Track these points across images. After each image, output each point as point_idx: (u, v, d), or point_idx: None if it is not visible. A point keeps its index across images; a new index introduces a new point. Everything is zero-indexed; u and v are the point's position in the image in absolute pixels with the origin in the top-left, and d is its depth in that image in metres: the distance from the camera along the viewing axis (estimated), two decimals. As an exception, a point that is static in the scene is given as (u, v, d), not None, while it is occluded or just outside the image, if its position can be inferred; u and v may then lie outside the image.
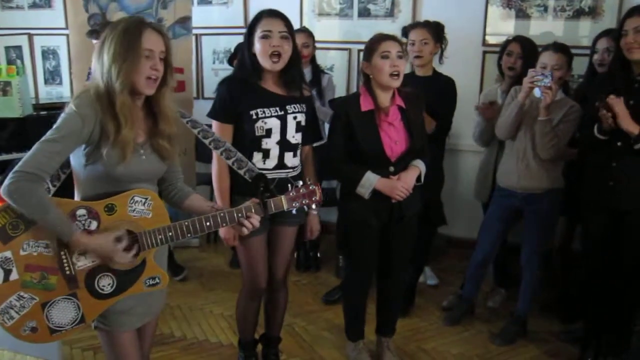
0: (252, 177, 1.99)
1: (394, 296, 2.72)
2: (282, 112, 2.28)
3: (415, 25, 3.11)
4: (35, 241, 1.61)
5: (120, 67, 1.59)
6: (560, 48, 2.73)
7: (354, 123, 2.37)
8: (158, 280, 1.75)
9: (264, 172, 2.18)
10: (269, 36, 2.19)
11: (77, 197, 1.73)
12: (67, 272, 1.63)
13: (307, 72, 3.56)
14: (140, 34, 1.61)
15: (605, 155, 2.49)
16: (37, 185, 1.54)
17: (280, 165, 2.32)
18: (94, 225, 1.64)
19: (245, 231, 1.80)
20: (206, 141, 1.99)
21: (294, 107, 2.31)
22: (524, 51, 3.03)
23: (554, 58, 2.70)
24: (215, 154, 2.23)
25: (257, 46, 2.22)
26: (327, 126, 3.36)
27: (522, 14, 3.79)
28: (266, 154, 2.29)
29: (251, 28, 2.25)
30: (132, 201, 1.67)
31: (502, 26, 3.83)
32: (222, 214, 1.76)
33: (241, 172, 2.01)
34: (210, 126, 2.20)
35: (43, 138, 1.58)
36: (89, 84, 1.67)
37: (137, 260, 1.69)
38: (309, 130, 2.40)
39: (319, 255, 3.94)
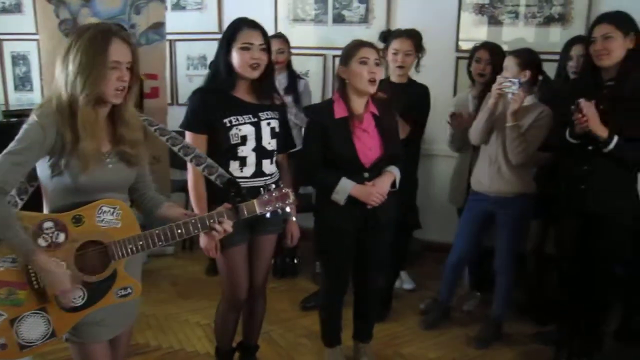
0: (223, 183, 1.98)
1: (370, 302, 2.73)
2: (256, 119, 2.28)
3: (399, 34, 3.08)
4: (2, 256, 1.57)
5: (85, 79, 1.56)
6: (515, 52, 2.80)
7: (328, 130, 2.37)
8: (130, 291, 1.73)
9: (243, 180, 2.18)
10: (250, 49, 2.21)
11: (45, 209, 1.70)
12: (36, 286, 1.60)
13: (284, 78, 3.57)
14: (107, 45, 1.57)
15: (577, 158, 2.54)
16: (1, 198, 1.51)
17: (259, 172, 2.31)
18: (61, 237, 1.61)
19: (217, 235, 1.78)
20: (175, 148, 1.97)
21: (267, 113, 2.31)
22: (492, 57, 3.08)
23: (507, 61, 2.77)
24: (190, 164, 2.22)
25: (236, 56, 2.22)
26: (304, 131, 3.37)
27: (494, 21, 3.85)
28: (243, 161, 2.28)
29: (230, 37, 2.24)
30: (100, 211, 1.64)
31: (475, 32, 3.88)
32: (193, 221, 1.74)
33: (212, 177, 2.00)
34: (182, 134, 2.18)
35: (5, 150, 1.55)
36: (51, 93, 1.63)
37: (105, 273, 1.66)
38: (282, 138, 2.41)
39: (296, 261, 3.93)
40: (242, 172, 2.29)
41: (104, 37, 1.58)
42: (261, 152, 2.31)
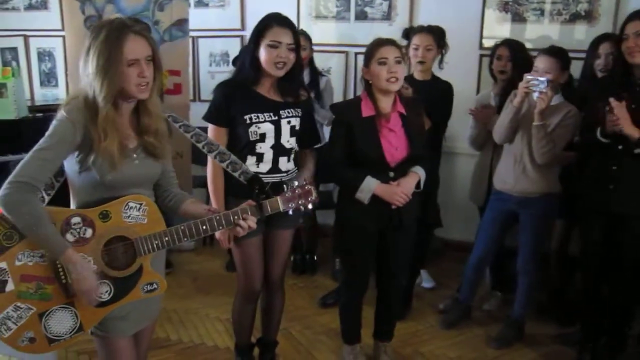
0: (247, 180, 1.99)
1: (392, 301, 2.72)
2: (276, 117, 2.28)
3: (419, 30, 3.08)
4: (31, 251, 1.60)
5: (103, 80, 1.56)
6: (553, 52, 2.72)
7: (354, 128, 2.37)
8: (156, 286, 1.75)
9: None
10: (277, 47, 2.20)
11: (72, 204, 1.72)
12: (64, 281, 1.62)
13: (305, 75, 3.55)
14: (121, 44, 1.56)
15: (606, 158, 2.50)
16: (31, 196, 1.53)
17: (274, 169, 2.32)
18: (89, 232, 1.63)
19: (241, 232, 1.79)
20: (199, 145, 1.98)
21: (288, 111, 2.31)
22: (513, 54, 3.04)
23: (544, 61, 2.69)
24: (210, 157, 2.24)
25: (263, 53, 2.22)
26: (325, 129, 3.37)
27: (518, 18, 3.80)
28: (260, 157, 2.29)
29: (259, 33, 2.23)
30: (126, 207, 1.66)
31: (499, 30, 3.84)
32: (217, 217, 1.76)
33: (236, 174, 2.01)
34: (206, 130, 2.19)
35: (36, 146, 1.57)
36: (79, 90, 1.65)
37: (132, 268, 1.68)
38: (307, 133, 2.41)
39: (315, 258, 3.93)
40: (259, 167, 2.29)
41: (118, 37, 1.56)
42: (279, 150, 2.31)
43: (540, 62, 2.71)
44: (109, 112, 1.59)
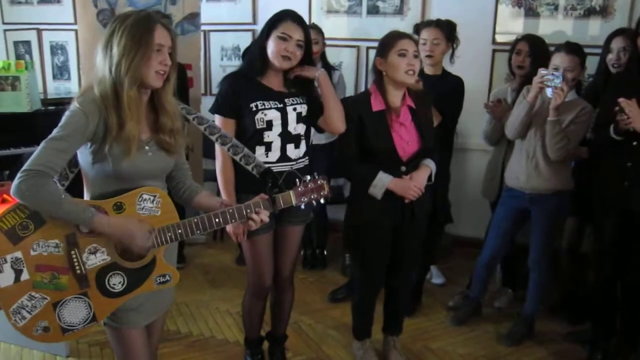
0: (259, 173, 1.99)
1: (402, 295, 2.72)
2: (282, 105, 2.29)
3: (427, 24, 3.09)
4: (45, 241, 1.61)
5: (131, 61, 1.58)
6: (572, 49, 2.69)
7: (365, 123, 2.36)
8: (168, 278, 1.75)
9: (268, 165, 2.18)
10: (287, 40, 2.22)
11: (86, 196, 1.73)
12: (78, 272, 1.63)
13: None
14: (152, 28, 1.61)
15: (621, 155, 2.48)
16: (46, 180, 1.54)
17: (283, 157, 2.32)
18: None
19: (254, 225, 1.80)
20: (213, 137, 1.99)
21: (293, 99, 2.32)
22: (532, 49, 3.01)
23: (565, 60, 2.66)
24: (218, 149, 2.24)
25: (272, 44, 2.23)
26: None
27: (531, 13, 3.76)
28: (268, 146, 2.29)
29: (272, 25, 2.25)
30: (140, 199, 1.67)
31: (512, 25, 3.81)
32: (230, 211, 1.76)
33: (249, 167, 2.01)
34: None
35: (49, 136, 1.57)
36: (92, 81, 1.66)
37: (146, 259, 1.69)
38: (315, 109, 2.36)
39: (325, 253, 3.93)
40: (268, 157, 2.29)
41: (148, 21, 1.61)
42: (286, 137, 2.31)
43: (559, 60, 2.67)
44: (135, 94, 1.61)
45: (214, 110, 2.31)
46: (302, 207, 1.87)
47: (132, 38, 1.58)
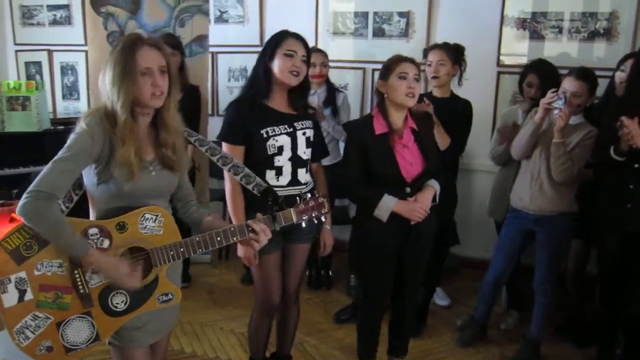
0: (260, 192, 2.01)
1: (407, 316, 2.70)
2: (291, 129, 2.32)
3: (433, 46, 3.15)
4: (49, 261, 1.63)
5: (119, 89, 1.62)
6: (581, 75, 2.69)
7: (369, 146, 2.38)
8: (171, 297, 1.76)
9: (279, 189, 2.20)
10: (293, 56, 2.26)
11: (92, 215, 1.76)
12: (81, 291, 1.65)
13: (322, 91, 3.59)
14: (134, 53, 1.62)
15: (622, 176, 2.47)
16: (52, 203, 1.56)
17: (294, 181, 2.34)
18: (106, 243, 1.66)
19: (257, 245, 1.80)
20: (214, 158, 2.01)
21: (302, 123, 2.35)
22: (542, 80, 3.01)
23: (574, 84, 2.67)
24: (226, 175, 2.26)
25: (279, 62, 2.27)
26: (342, 144, 3.38)
27: (536, 35, 3.79)
28: (279, 171, 2.31)
29: (275, 44, 2.29)
30: (142, 219, 1.69)
31: (517, 47, 3.84)
32: (232, 229, 1.77)
33: (249, 187, 2.03)
34: (220, 146, 2.22)
35: (55, 157, 1.60)
36: (99, 103, 1.70)
37: (148, 278, 1.70)
38: (317, 146, 2.44)
39: (330, 273, 3.92)
40: (278, 181, 2.31)
41: (131, 47, 1.64)
42: (297, 162, 2.34)
43: (568, 84, 2.69)
44: (127, 119, 1.63)
45: (222, 137, 2.34)
46: (304, 224, 1.88)
47: (118, 66, 1.62)
